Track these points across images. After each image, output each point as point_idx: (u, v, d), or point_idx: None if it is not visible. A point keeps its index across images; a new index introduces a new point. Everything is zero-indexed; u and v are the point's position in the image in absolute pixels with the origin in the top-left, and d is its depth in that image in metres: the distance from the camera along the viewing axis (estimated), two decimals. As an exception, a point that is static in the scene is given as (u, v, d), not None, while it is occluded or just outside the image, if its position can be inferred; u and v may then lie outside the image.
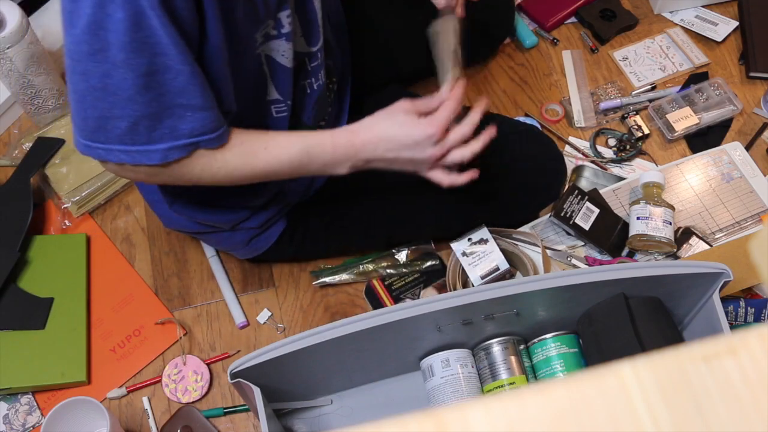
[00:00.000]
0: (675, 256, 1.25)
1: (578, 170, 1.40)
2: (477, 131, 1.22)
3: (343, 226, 1.25)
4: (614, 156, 1.43)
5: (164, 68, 0.83)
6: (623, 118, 1.47)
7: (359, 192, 1.21)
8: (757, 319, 1.19)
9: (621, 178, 1.38)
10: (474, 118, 1.00)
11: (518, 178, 1.23)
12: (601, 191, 1.33)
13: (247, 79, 0.98)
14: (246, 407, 1.22)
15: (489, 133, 1.01)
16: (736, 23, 1.57)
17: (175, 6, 0.81)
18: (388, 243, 1.33)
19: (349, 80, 1.28)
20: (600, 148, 1.44)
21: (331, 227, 1.25)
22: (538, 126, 1.45)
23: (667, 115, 1.44)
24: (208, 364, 1.26)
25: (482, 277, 1.20)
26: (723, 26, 1.57)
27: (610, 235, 1.27)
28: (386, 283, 1.32)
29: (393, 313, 0.93)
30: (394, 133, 0.97)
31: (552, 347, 1.06)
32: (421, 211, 1.23)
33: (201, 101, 0.88)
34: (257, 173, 0.97)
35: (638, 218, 1.24)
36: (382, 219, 1.24)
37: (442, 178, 1.02)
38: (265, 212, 1.17)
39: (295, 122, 1.11)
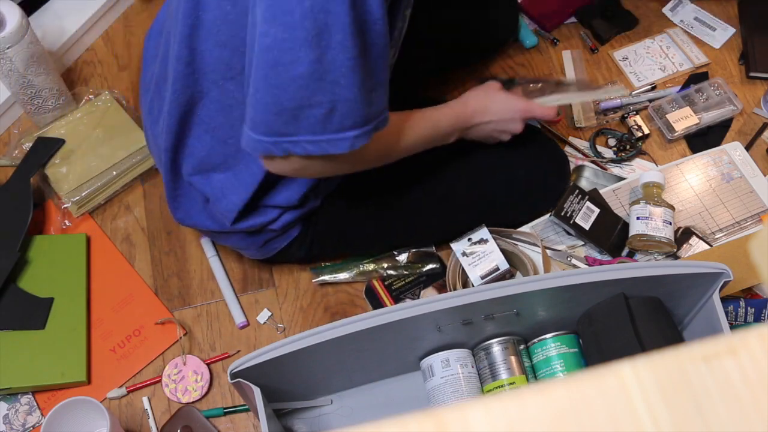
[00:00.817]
0: (675, 256, 1.25)
1: (578, 170, 1.40)
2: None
3: (351, 232, 1.25)
4: (614, 156, 1.43)
5: (371, 45, 0.84)
6: (623, 118, 1.47)
7: (366, 197, 1.21)
8: (757, 319, 1.19)
9: (621, 178, 1.38)
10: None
11: (520, 178, 1.23)
12: (601, 191, 1.33)
13: (393, 39, 1.00)
14: (246, 407, 1.22)
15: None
16: (733, 30, 1.57)
17: None
18: (391, 246, 1.33)
19: None
20: (600, 148, 1.44)
21: (339, 233, 1.25)
22: (538, 126, 1.45)
23: (667, 115, 1.44)
24: (208, 364, 1.26)
25: (482, 277, 1.20)
26: (721, 32, 1.57)
27: (610, 235, 1.27)
28: (386, 283, 1.32)
29: (393, 313, 0.93)
30: (499, 103, 1.13)
31: (552, 347, 1.06)
32: (426, 218, 1.23)
33: (383, 75, 0.89)
34: (401, 149, 1.06)
35: (638, 218, 1.24)
36: (389, 225, 1.24)
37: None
38: (292, 212, 1.16)
39: None
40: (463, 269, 1.22)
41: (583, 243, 1.29)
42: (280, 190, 1.11)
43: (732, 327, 1.16)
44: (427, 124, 1.07)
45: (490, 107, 1.13)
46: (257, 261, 1.34)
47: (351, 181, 1.19)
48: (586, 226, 1.26)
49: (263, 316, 1.31)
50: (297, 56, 0.82)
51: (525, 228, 1.30)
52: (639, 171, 1.40)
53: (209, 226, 1.19)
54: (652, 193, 1.27)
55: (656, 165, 1.41)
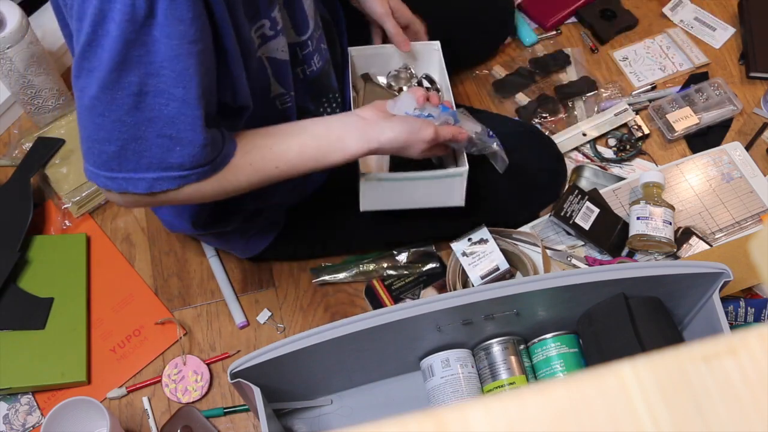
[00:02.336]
0: (675, 256, 1.25)
1: (578, 170, 1.40)
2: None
3: (341, 226, 1.25)
4: (614, 156, 1.43)
5: (156, 91, 0.81)
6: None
7: (357, 191, 1.21)
8: (757, 319, 1.19)
9: (621, 178, 1.38)
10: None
11: (518, 178, 1.23)
12: (601, 191, 1.33)
13: (253, 79, 0.98)
14: (246, 407, 1.22)
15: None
16: (733, 29, 1.57)
17: (182, 17, 0.78)
18: (387, 243, 1.33)
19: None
20: (600, 148, 1.44)
21: (329, 226, 1.25)
22: (539, 126, 1.45)
23: (667, 115, 1.44)
24: (208, 364, 1.26)
25: (482, 277, 1.20)
26: (721, 32, 1.57)
27: (610, 235, 1.27)
28: (386, 283, 1.32)
29: (393, 313, 0.93)
30: (398, 131, 0.98)
31: (552, 347, 1.06)
32: (420, 212, 1.23)
33: (191, 135, 0.85)
34: (272, 175, 0.95)
35: (638, 218, 1.24)
36: (380, 219, 1.24)
37: (438, 151, 1.05)
38: (261, 213, 1.17)
39: (298, 109, 1.12)
40: (463, 269, 1.22)
41: (583, 243, 1.29)
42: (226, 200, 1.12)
43: (732, 327, 1.16)
44: (298, 138, 0.97)
45: (392, 130, 0.99)
46: (257, 261, 1.34)
47: (340, 176, 1.19)
48: (586, 226, 1.26)
49: (263, 316, 1.31)
50: (83, 85, 0.82)
51: (525, 228, 1.30)
52: (639, 171, 1.40)
53: (192, 231, 1.21)
54: (652, 193, 1.27)
55: (656, 165, 1.41)
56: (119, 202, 0.93)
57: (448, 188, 1.08)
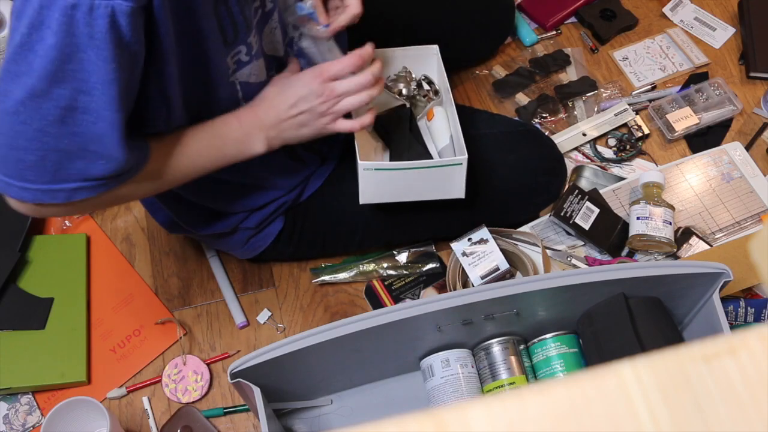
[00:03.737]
0: (675, 256, 1.25)
1: (578, 170, 1.40)
2: (475, 129, 1.23)
3: (341, 226, 1.25)
4: (614, 156, 1.43)
5: (84, 108, 0.79)
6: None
7: (357, 192, 1.21)
8: (757, 319, 1.19)
9: (621, 178, 1.38)
10: (373, 68, 1.00)
11: (518, 178, 1.23)
12: (601, 191, 1.33)
13: (220, 105, 0.97)
14: (246, 407, 1.22)
15: (375, 66, 1.00)
16: (734, 29, 1.57)
17: (120, 42, 0.76)
18: (387, 243, 1.33)
19: None
20: (600, 148, 1.44)
21: (328, 227, 1.25)
22: (539, 126, 1.46)
23: (667, 115, 1.44)
24: (208, 364, 1.26)
25: (482, 277, 1.20)
26: (721, 32, 1.57)
27: (610, 235, 1.27)
28: (386, 283, 1.32)
29: (393, 313, 0.93)
30: (285, 89, 0.99)
31: (552, 347, 1.06)
32: (419, 211, 1.23)
33: (116, 152, 0.83)
34: (185, 172, 0.97)
35: (638, 218, 1.24)
36: (380, 219, 1.24)
37: (345, 125, 1.01)
38: (261, 212, 1.17)
39: None
40: (463, 269, 1.22)
41: (583, 243, 1.29)
42: (224, 200, 1.12)
43: (732, 327, 1.16)
44: (204, 137, 0.96)
45: (279, 95, 0.99)
46: (257, 261, 1.34)
47: (339, 175, 1.19)
48: (586, 226, 1.26)
49: (263, 316, 1.31)
50: (6, 89, 0.79)
51: (525, 228, 1.30)
52: (639, 171, 1.40)
53: (191, 232, 1.21)
54: (652, 193, 1.27)
55: (656, 165, 1.41)
56: (28, 212, 0.89)
57: (448, 178, 1.08)
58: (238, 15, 0.90)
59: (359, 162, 1.05)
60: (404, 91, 1.21)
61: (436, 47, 1.21)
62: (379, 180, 1.07)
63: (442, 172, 1.07)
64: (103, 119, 0.80)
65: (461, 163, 1.06)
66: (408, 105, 1.21)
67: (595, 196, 1.30)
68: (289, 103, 0.98)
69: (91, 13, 0.73)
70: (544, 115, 1.47)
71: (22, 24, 0.75)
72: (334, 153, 1.22)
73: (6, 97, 0.79)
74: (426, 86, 1.22)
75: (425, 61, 1.22)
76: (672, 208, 1.25)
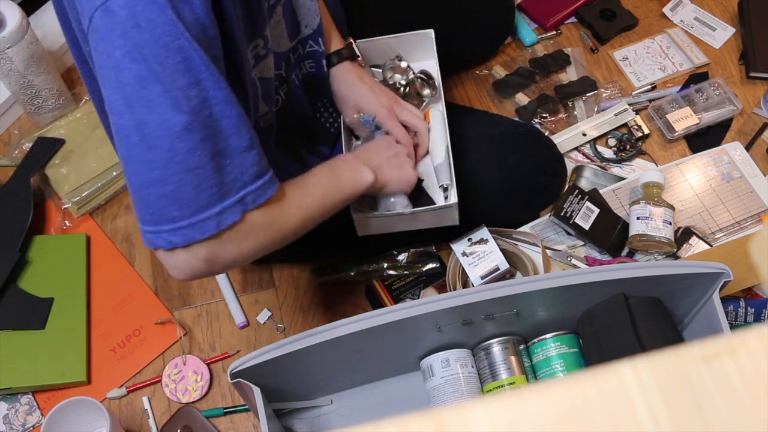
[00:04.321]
0: (675, 256, 1.25)
1: (578, 170, 1.40)
2: (475, 129, 1.23)
3: (341, 226, 1.25)
4: (614, 156, 1.43)
5: (202, 101, 0.74)
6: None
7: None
8: (757, 319, 1.19)
9: (621, 178, 1.38)
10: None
11: (518, 178, 1.23)
12: (601, 191, 1.33)
13: (248, 103, 0.96)
14: (246, 407, 1.22)
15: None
16: (734, 29, 1.57)
17: (201, 22, 0.75)
18: (388, 243, 1.33)
19: None
20: (600, 148, 1.44)
21: (329, 227, 1.25)
22: (539, 126, 1.46)
23: (667, 115, 1.44)
24: (208, 364, 1.26)
25: (482, 277, 1.20)
26: (721, 32, 1.57)
27: (610, 235, 1.27)
28: (386, 283, 1.32)
29: (393, 313, 0.93)
30: (373, 144, 1.08)
31: (552, 347, 1.06)
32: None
33: (241, 137, 0.78)
34: (312, 213, 0.92)
35: (638, 218, 1.24)
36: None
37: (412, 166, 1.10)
38: None
39: (290, 115, 1.11)
40: (463, 269, 1.22)
41: (583, 243, 1.29)
42: None
43: (732, 327, 1.16)
44: (321, 173, 0.96)
45: (373, 145, 1.09)
46: (257, 261, 1.34)
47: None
48: (586, 226, 1.26)
49: (263, 316, 1.31)
50: (121, 121, 0.74)
51: (525, 228, 1.30)
52: (639, 171, 1.40)
53: None
54: (652, 193, 1.27)
55: (656, 165, 1.41)
56: (187, 269, 0.81)
57: (441, 215, 1.11)
58: (256, 5, 0.90)
59: (352, 209, 1.07)
60: (401, 81, 1.20)
61: (431, 31, 1.21)
62: (373, 222, 1.10)
63: (435, 213, 1.10)
64: (219, 101, 0.75)
65: (452, 207, 1.09)
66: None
67: (595, 196, 1.30)
68: (383, 148, 1.07)
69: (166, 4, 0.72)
70: (544, 115, 1.47)
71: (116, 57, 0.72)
72: (336, 156, 1.22)
73: (128, 133, 0.74)
74: (426, 91, 1.22)
75: (421, 47, 1.22)
76: (672, 208, 1.25)
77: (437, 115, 1.18)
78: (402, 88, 1.21)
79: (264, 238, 0.84)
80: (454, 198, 1.09)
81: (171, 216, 0.77)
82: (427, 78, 1.22)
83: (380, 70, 1.25)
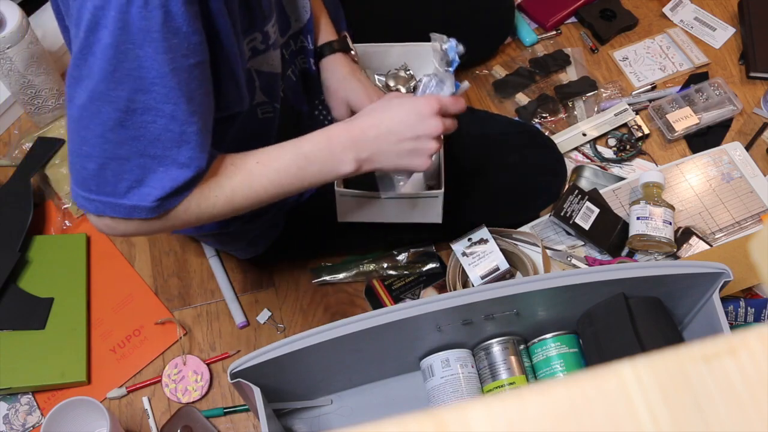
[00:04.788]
0: (675, 256, 1.25)
1: (578, 170, 1.40)
2: (474, 129, 1.23)
3: (341, 226, 1.25)
4: (614, 156, 1.43)
5: (144, 108, 0.78)
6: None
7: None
8: (757, 319, 1.19)
9: (621, 178, 1.38)
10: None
11: (518, 178, 1.23)
12: (601, 191, 1.33)
13: (239, 89, 0.96)
14: (246, 407, 1.22)
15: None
16: (734, 29, 1.57)
17: (177, 30, 0.75)
18: (388, 243, 1.33)
19: None
20: (600, 148, 1.44)
21: (328, 227, 1.25)
22: (539, 126, 1.46)
23: (667, 115, 1.44)
24: (208, 364, 1.26)
25: (482, 277, 1.20)
26: (721, 32, 1.57)
27: (610, 235, 1.27)
28: (386, 283, 1.32)
29: (393, 313, 0.93)
30: (395, 112, 0.90)
31: (552, 347, 1.06)
32: None
33: (176, 152, 0.81)
34: (259, 193, 0.89)
35: (638, 218, 1.24)
36: (385, 222, 1.24)
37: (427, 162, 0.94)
38: (263, 215, 1.17)
39: (295, 114, 1.11)
40: (463, 269, 1.22)
41: (583, 243, 1.29)
42: None
43: (732, 327, 1.16)
44: (286, 156, 0.90)
45: (386, 117, 0.90)
46: (257, 261, 1.34)
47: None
48: (586, 226, 1.26)
49: (263, 316, 1.31)
50: (71, 94, 0.79)
51: (525, 228, 1.30)
52: (639, 171, 1.40)
53: (192, 232, 1.20)
54: (652, 193, 1.27)
55: (656, 165, 1.41)
56: (100, 228, 0.87)
57: (424, 206, 1.08)
58: (255, 3, 0.90)
59: (336, 188, 1.06)
60: (402, 90, 1.21)
61: (437, 44, 1.21)
62: (356, 204, 1.08)
63: (418, 202, 1.08)
64: (163, 115, 0.78)
65: (437, 196, 1.07)
66: None
67: (595, 196, 1.30)
68: (398, 124, 0.89)
69: (146, 6, 0.73)
70: (544, 115, 1.47)
71: (81, 29, 0.75)
72: (332, 125, 1.22)
73: (71, 102, 0.79)
74: None
75: (425, 56, 1.22)
76: (672, 208, 1.25)
77: None
78: None
79: (181, 224, 0.88)
80: (440, 189, 1.06)
81: (89, 187, 0.83)
82: None
83: (384, 78, 1.25)
